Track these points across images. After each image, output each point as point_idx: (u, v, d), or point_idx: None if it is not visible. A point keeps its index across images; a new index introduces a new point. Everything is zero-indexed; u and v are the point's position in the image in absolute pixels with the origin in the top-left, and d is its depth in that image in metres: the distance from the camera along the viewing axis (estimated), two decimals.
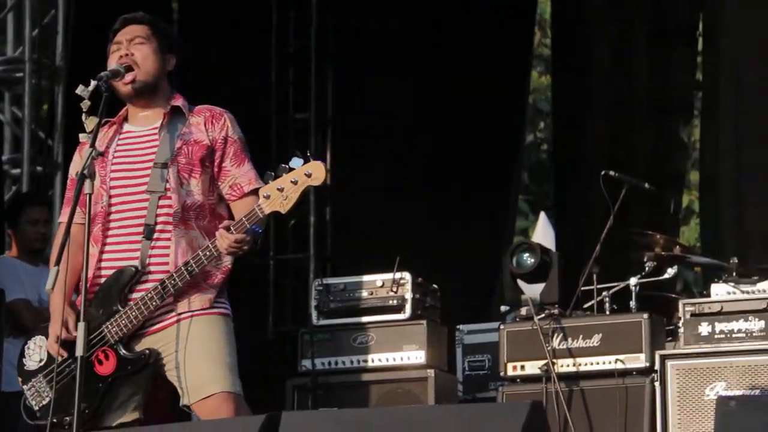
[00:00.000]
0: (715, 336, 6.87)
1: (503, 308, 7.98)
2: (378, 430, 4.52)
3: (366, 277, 7.51)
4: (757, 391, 6.62)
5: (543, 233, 9.87)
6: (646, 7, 9.88)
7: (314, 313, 7.54)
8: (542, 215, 10.35)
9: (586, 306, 7.41)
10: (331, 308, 7.50)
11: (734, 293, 6.99)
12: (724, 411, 4.34)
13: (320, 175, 5.16)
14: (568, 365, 6.99)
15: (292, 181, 5.14)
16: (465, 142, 9.68)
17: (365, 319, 7.43)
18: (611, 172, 7.50)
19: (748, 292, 6.97)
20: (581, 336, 7.04)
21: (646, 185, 7.78)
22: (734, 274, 7.18)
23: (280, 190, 5.14)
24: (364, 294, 7.48)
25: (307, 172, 5.14)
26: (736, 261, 7.27)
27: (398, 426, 4.51)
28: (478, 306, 9.57)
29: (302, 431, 4.47)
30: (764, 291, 6.97)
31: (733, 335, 6.85)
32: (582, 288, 7.33)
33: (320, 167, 5.15)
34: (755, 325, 6.82)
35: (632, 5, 9.83)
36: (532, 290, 7.48)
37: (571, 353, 7.00)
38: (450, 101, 9.57)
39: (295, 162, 5.19)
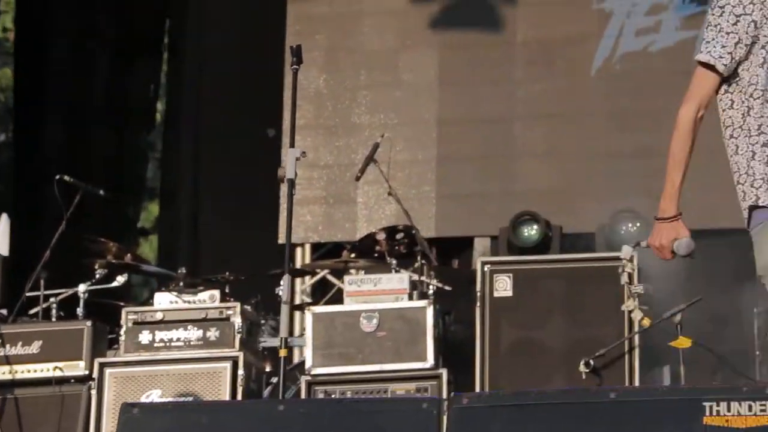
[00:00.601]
0: (155, 344, 6.97)
1: None
2: None
3: None
4: (191, 398, 6.76)
5: (1, 236, 9.61)
6: (110, 15, 9.85)
7: None
8: (4, 217, 10.07)
9: (32, 312, 7.30)
10: None
11: (176, 302, 7.10)
12: (126, 419, 4.40)
13: None
14: (4, 373, 6.86)
15: None
16: None
17: None
18: (66, 177, 7.45)
19: (189, 302, 7.11)
20: (20, 343, 6.94)
21: (102, 192, 7.78)
22: (181, 284, 7.31)
23: None
24: None
25: None
26: (184, 271, 7.42)
27: None
28: None
29: None
30: (205, 301, 7.14)
31: (173, 344, 6.98)
32: (29, 293, 7.22)
33: None
34: (193, 334, 6.99)
35: (97, 12, 9.77)
36: None
37: (8, 360, 6.89)
38: None
39: None
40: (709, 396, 4.32)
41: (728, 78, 4.20)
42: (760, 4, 4.14)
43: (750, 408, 4.28)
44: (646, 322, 6.11)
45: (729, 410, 4.29)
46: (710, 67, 4.16)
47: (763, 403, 4.26)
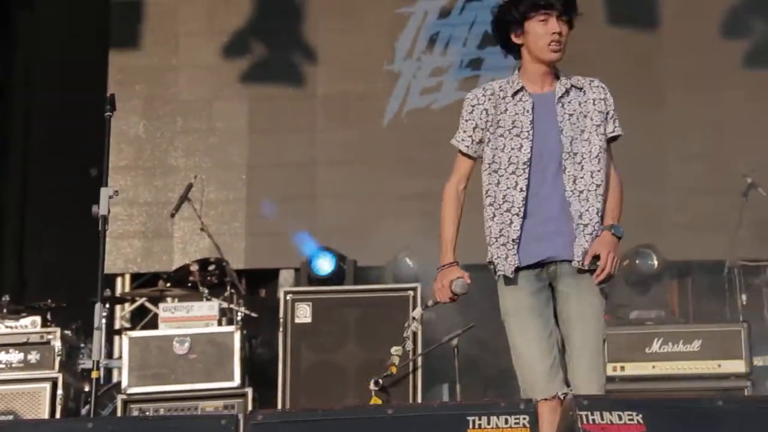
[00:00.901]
0: None
1: None
2: None
3: None
4: (11, 416, 6.63)
5: None
6: None
7: None
8: None
9: None
10: None
11: None
12: None
13: None
14: None
15: None
16: None
17: None
18: None
19: (11, 327, 6.98)
20: None
21: None
22: (4, 310, 7.17)
23: None
24: None
25: None
26: (8, 298, 7.29)
27: None
28: None
29: None
30: (27, 327, 7.05)
31: None
32: None
33: None
34: (15, 356, 6.91)
35: None
36: None
37: None
38: None
39: None
40: (473, 411, 4.42)
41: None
42: (490, 96, 4.67)
43: (506, 421, 4.40)
44: (394, 369, 6.44)
45: (489, 423, 4.41)
46: (460, 149, 4.71)
47: (517, 417, 4.38)
